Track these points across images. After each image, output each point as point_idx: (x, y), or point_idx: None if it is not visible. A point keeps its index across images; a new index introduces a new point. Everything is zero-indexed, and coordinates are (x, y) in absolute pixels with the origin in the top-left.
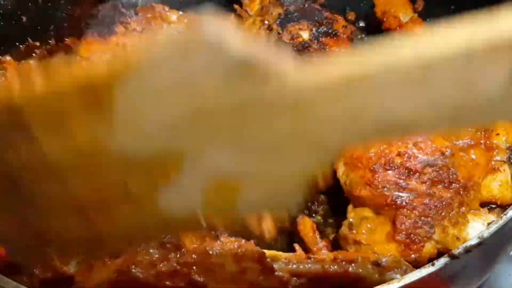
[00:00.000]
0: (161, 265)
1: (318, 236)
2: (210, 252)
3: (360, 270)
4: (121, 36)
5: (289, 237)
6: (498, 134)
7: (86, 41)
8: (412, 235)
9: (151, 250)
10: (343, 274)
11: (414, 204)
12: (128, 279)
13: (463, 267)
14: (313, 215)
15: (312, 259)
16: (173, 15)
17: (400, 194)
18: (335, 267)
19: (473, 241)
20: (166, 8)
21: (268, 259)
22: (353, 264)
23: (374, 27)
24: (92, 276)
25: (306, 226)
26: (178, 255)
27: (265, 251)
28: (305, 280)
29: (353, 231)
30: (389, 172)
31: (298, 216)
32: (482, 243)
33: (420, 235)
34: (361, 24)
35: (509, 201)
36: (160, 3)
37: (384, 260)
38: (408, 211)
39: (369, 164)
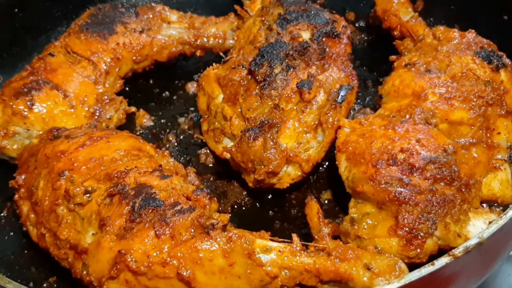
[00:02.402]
0: (154, 255)
1: (322, 223)
2: (199, 247)
3: (351, 271)
4: (121, 36)
5: (294, 222)
6: (499, 133)
7: (86, 41)
8: (414, 230)
9: (145, 241)
10: (334, 271)
11: (417, 200)
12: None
13: (463, 267)
14: None
15: (307, 251)
16: (173, 15)
17: (403, 190)
18: (328, 263)
19: (473, 241)
20: (166, 8)
21: (258, 254)
22: (345, 263)
23: (374, 27)
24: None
25: (313, 210)
26: (170, 247)
27: (258, 241)
28: (296, 273)
29: (355, 226)
30: (392, 168)
31: (307, 198)
32: (482, 243)
33: (422, 231)
34: (361, 24)
35: (510, 199)
36: (160, 3)
37: (375, 265)
38: (411, 207)
39: (372, 160)
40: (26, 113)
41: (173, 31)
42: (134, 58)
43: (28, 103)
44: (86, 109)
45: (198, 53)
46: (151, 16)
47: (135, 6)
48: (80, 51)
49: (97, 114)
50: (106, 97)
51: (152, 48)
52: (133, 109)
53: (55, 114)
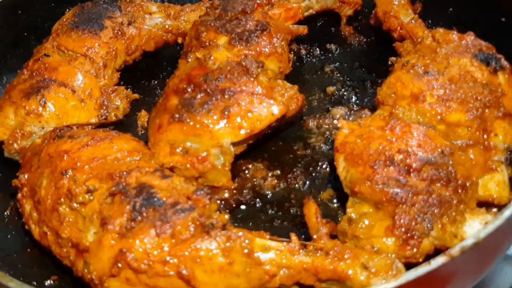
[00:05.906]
0: (154, 254)
1: (320, 223)
2: (199, 246)
3: (348, 270)
4: (112, 30)
5: (293, 221)
6: (496, 135)
7: (78, 38)
8: (410, 230)
9: (145, 239)
10: (332, 270)
11: (413, 200)
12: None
13: (460, 267)
14: None
15: (306, 250)
16: (153, 6)
17: (400, 190)
18: (325, 262)
19: (470, 241)
20: (145, 0)
21: (257, 252)
22: (343, 262)
23: (373, 28)
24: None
25: (311, 210)
26: (170, 245)
27: (257, 240)
28: (294, 272)
29: (352, 226)
30: (389, 168)
31: (305, 197)
32: (478, 243)
33: (419, 231)
34: (360, 25)
35: (506, 201)
36: None
37: (372, 264)
38: (407, 207)
39: (370, 161)
40: (40, 110)
41: (156, 21)
42: (127, 50)
43: (41, 101)
44: (95, 101)
45: (179, 40)
46: (133, 9)
47: (116, 1)
48: (75, 48)
49: (105, 105)
50: (108, 88)
51: (141, 39)
52: (136, 95)
53: (67, 110)
